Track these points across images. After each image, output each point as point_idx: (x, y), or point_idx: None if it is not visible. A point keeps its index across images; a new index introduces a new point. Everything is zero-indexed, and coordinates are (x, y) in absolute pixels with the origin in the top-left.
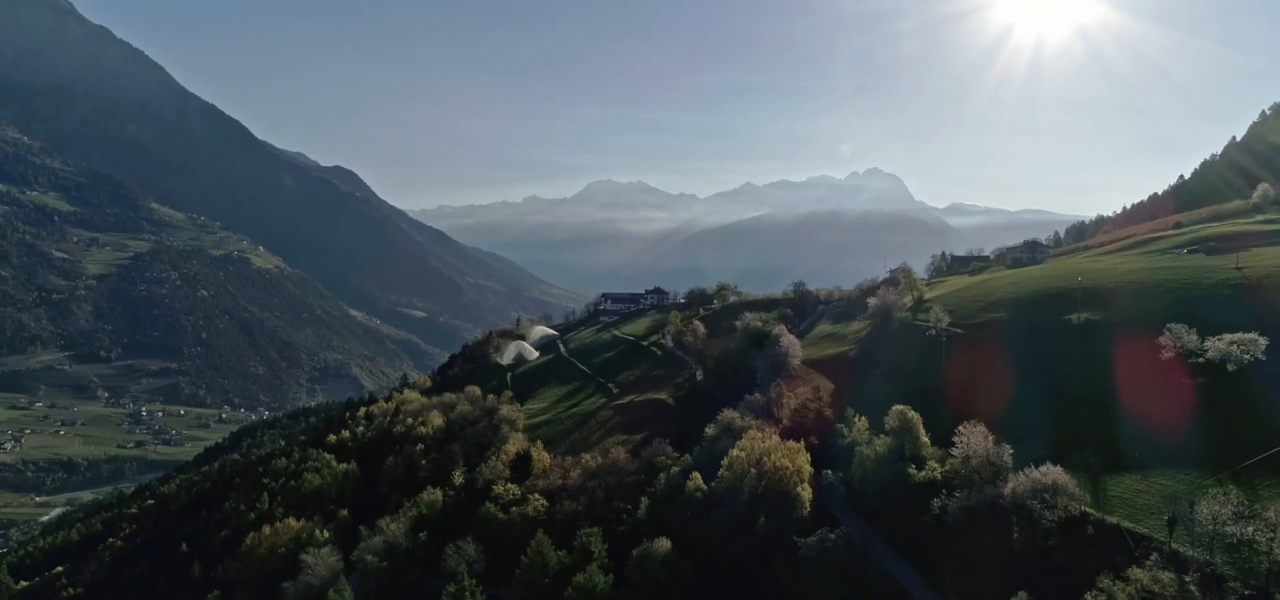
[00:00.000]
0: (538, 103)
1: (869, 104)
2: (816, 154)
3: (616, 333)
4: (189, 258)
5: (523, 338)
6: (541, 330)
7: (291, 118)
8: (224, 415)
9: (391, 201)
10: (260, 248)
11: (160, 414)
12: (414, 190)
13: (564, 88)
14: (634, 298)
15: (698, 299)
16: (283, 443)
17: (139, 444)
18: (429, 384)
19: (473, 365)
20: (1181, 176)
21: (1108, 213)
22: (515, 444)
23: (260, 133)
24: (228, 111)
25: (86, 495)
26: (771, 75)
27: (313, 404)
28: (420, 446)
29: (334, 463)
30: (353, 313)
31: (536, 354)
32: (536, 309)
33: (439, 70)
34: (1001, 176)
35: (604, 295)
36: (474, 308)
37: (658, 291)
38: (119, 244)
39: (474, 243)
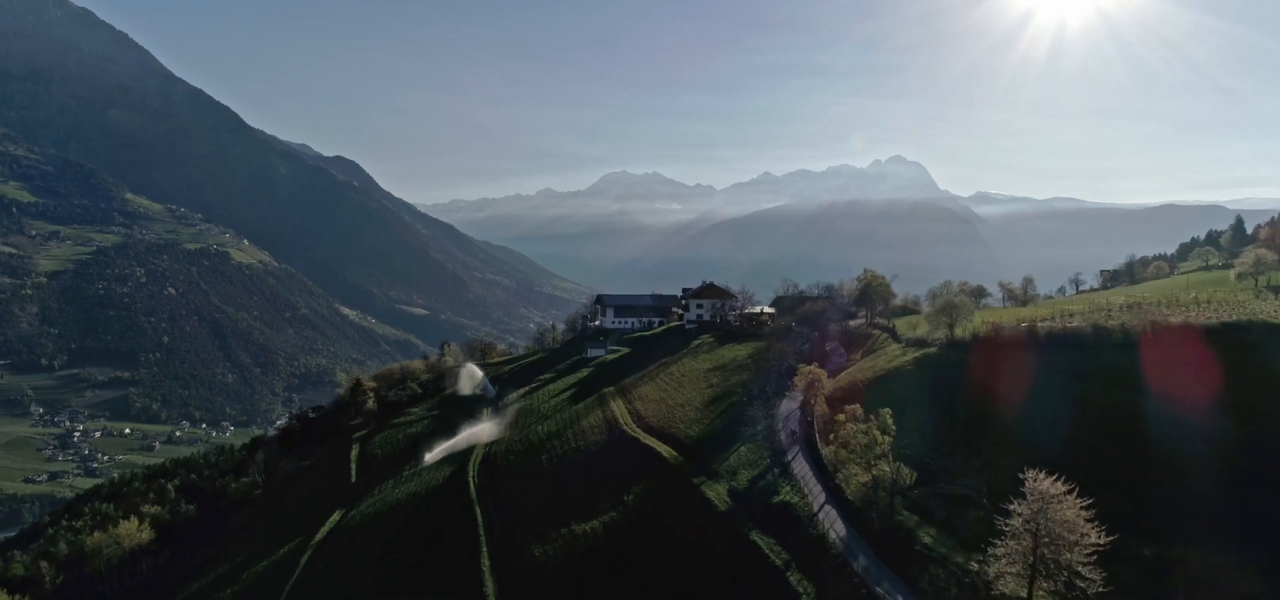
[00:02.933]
0: (552, 88)
1: (889, 87)
2: (837, 143)
3: (632, 431)
4: (159, 252)
5: (439, 384)
6: (474, 373)
7: (298, 109)
8: (178, 433)
9: (405, 196)
10: (245, 241)
11: (98, 434)
12: (427, 184)
13: (579, 73)
14: (659, 305)
15: (815, 307)
16: None
17: (54, 477)
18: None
19: (301, 466)
20: None
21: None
22: None
23: (270, 128)
24: (225, 101)
25: None
26: (789, 55)
27: (269, 426)
28: None
29: None
30: (345, 311)
31: (446, 440)
32: (548, 305)
33: (450, 58)
34: (1026, 162)
35: (599, 300)
36: (480, 304)
37: (713, 291)
38: (82, 238)
39: (487, 237)
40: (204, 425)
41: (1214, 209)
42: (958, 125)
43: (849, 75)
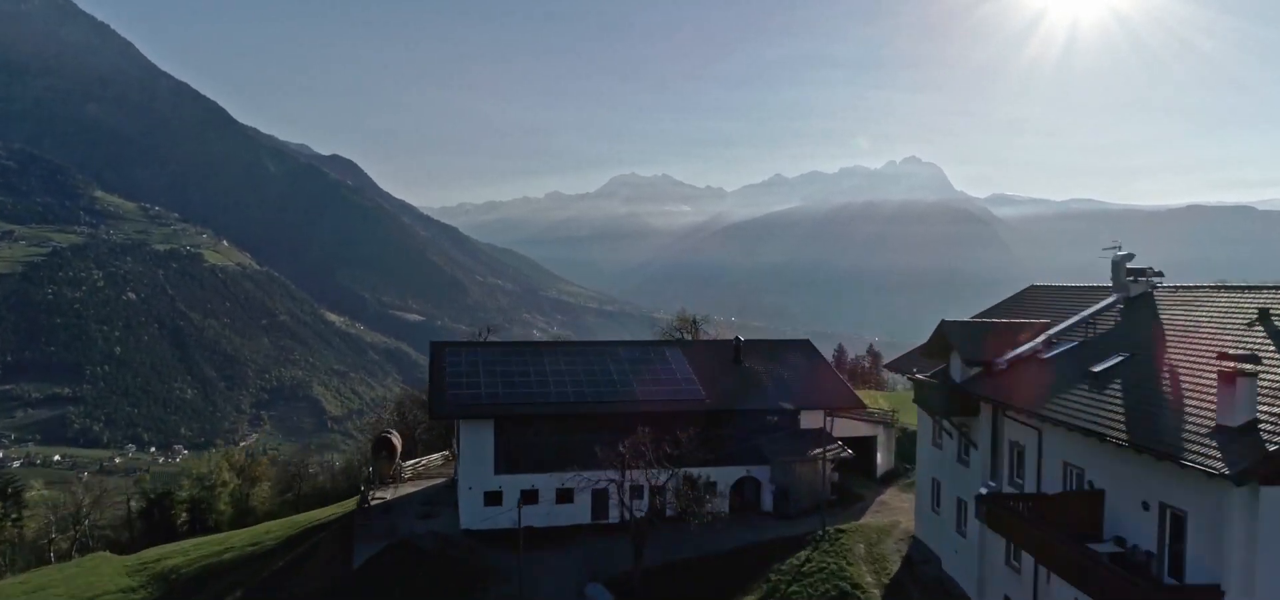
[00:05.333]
0: (560, 87)
1: (902, 82)
2: (849, 142)
3: None
4: (123, 253)
5: None
6: None
7: (298, 108)
8: (118, 460)
9: (411, 199)
10: (223, 241)
11: (18, 463)
12: (433, 187)
13: (587, 70)
14: (684, 396)
15: None
16: None
17: None
18: None
19: None
20: None
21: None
22: None
23: (268, 127)
24: (220, 99)
25: None
26: (800, 49)
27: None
28: None
29: None
30: (331, 317)
31: None
32: (553, 310)
33: (456, 57)
34: (1042, 161)
35: (439, 377)
36: (479, 310)
37: None
38: (39, 238)
39: (492, 240)
40: (153, 449)
41: (1243, 210)
42: (973, 122)
43: (860, 69)
